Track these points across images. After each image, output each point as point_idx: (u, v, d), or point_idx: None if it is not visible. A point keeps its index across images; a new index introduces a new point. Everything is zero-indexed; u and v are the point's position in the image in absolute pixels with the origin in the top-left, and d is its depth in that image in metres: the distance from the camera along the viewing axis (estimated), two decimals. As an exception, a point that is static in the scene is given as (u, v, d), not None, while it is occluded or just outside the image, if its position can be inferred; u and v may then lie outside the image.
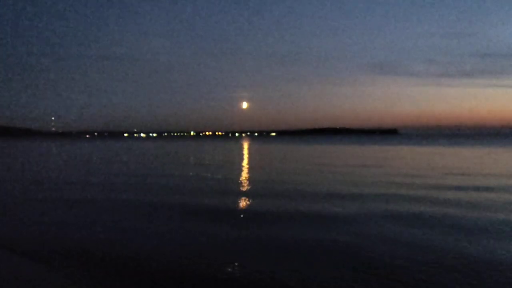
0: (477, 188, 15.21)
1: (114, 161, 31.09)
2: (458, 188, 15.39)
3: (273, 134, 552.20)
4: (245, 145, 74.72)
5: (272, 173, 20.57)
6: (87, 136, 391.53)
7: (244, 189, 15.20)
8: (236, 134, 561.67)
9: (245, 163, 28.67)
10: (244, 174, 20.37)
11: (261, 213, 10.64)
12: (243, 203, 12.14)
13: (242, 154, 40.73)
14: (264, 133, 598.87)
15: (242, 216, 10.24)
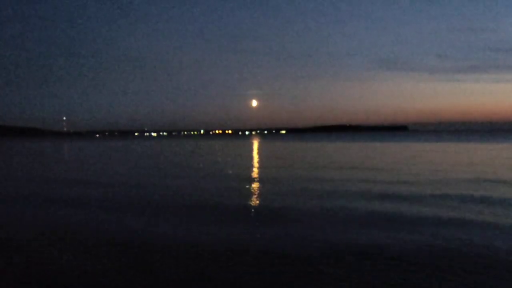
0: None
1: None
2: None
3: (283, 132, 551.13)
4: (255, 144, 75.19)
5: (289, 182, 20.63)
6: (97, 135, 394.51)
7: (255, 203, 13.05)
8: (246, 132, 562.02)
9: (258, 165, 29.05)
10: (256, 184, 20.42)
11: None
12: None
13: (253, 155, 41.08)
14: (274, 131, 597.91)
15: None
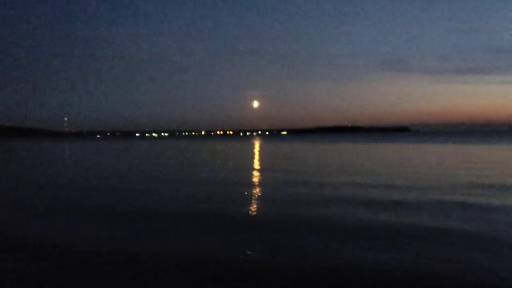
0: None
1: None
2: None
3: (284, 133, 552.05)
4: (256, 146, 75.25)
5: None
6: (98, 136, 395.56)
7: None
8: (247, 133, 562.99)
9: (258, 168, 29.03)
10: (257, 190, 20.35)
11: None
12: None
13: (253, 157, 41.14)
14: (275, 132, 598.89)
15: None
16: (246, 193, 15.08)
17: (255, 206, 12.49)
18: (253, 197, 14.08)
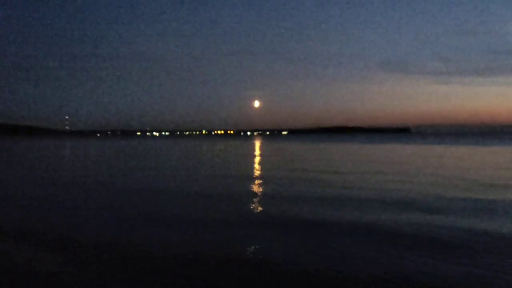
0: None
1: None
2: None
3: (285, 132, 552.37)
4: (257, 146, 74.89)
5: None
6: (98, 135, 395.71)
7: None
8: (248, 133, 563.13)
9: (257, 174, 28.68)
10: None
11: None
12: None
13: (254, 160, 40.77)
14: (276, 132, 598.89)
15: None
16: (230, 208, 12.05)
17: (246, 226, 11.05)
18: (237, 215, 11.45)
